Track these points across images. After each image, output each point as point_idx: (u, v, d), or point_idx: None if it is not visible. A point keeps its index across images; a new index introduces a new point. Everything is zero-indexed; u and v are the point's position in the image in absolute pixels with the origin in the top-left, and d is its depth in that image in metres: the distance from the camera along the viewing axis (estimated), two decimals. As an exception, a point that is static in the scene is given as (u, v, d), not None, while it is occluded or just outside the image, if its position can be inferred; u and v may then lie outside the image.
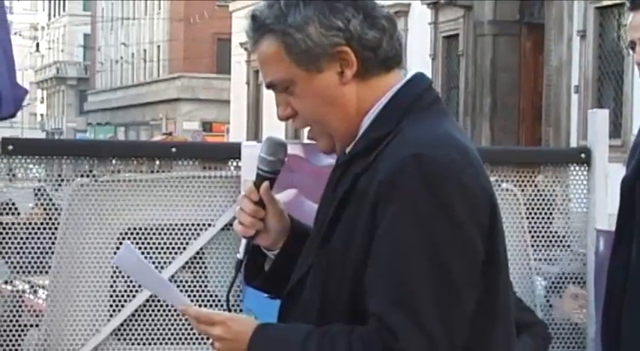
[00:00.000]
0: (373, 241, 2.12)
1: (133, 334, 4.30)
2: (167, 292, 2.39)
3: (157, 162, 4.37)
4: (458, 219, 2.09)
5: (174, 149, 4.36)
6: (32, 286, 4.50)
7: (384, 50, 2.24)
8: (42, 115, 78.12)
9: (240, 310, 4.10)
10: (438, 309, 2.06)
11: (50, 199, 4.34)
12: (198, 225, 4.33)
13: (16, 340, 4.25)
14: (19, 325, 4.28)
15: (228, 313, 2.27)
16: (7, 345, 4.24)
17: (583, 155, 4.55)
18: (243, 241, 2.40)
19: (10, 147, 4.21)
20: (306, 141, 2.95)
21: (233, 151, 4.38)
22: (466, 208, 2.10)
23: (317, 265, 2.23)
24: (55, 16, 75.19)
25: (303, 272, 2.27)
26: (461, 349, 2.10)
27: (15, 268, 4.27)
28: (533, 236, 4.53)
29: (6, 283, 4.42)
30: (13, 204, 4.36)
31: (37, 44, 70.37)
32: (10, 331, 4.26)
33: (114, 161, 4.34)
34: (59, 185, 4.32)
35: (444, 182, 2.09)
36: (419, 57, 23.39)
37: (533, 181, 4.56)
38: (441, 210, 2.08)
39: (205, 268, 4.34)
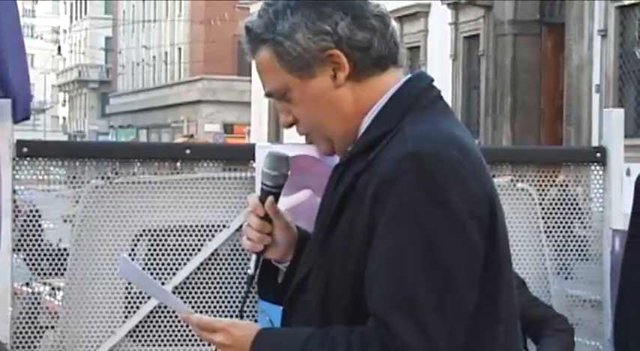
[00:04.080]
0: (372, 240, 2.10)
1: (149, 336, 4.30)
2: (168, 300, 2.40)
3: (178, 164, 4.37)
4: (456, 216, 2.07)
5: (188, 151, 4.36)
6: (53, 288, 4.50)
7: (375, 50, 2.23)
8: (64, 117, 78.45)
9: (256, 321, 4.09)
10: (437, 307, 2.04)
11: None
12: (212, 226, 4.33)
13: (32, 342, 4.26)
14: (35, 327, 4.29)
15: (230, 319, 2.26)
16: (24, 347, 4.25)
17: (599, 154, 4.53)
18: (253, 257, 2.41)
19: (25, 149, 4.22)
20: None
21: (247, 153, 4.37)
22: (465, 206, 2.08)
23: (318, 266, 2.22)
24: (76, 19, 75.48)
25: (303, 274, 2.27)
26: (461, 348, 2.08)
27: None
28: (548, 237, 4.51)
29: (27, 285, 4.42)
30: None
31: (59, 47, 70.62)
32: (27, 332, 4.27)
33: (138, 164, 4.34)
34: (74, 187, 4.32)
35: (443, 179, 2.07)
36: (439, 57, 23.38)
37: (554, 181, 4.54)
38: (439, 207, 2.06)
39: (220, 269, 4.34)
